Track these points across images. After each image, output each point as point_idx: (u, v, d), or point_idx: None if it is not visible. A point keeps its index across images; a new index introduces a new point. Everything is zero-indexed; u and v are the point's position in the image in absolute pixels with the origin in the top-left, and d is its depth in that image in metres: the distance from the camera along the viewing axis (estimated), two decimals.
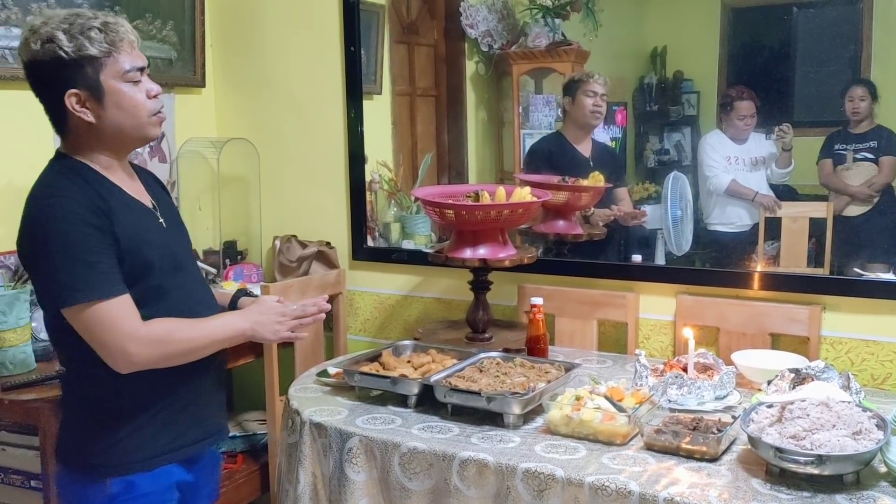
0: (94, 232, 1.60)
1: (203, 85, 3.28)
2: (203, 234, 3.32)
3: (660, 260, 3.31)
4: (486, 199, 2.41)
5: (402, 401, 2.10)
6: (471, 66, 3.59)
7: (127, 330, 1.60)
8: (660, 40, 3.94)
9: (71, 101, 1.62)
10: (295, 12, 3.20)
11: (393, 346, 2.38)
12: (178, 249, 1.81)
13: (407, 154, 3.49)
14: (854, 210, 3.18)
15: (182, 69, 3.18)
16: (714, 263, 3.21)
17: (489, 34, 3.51)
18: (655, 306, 2.65)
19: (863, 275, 2.79)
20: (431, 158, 3.43)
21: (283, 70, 3.25)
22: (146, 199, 1.78)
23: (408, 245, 3.22)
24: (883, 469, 1.62)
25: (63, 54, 1.58)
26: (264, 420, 2.96)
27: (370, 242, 3.23)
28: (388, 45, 3.38)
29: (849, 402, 1.69)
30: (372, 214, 3.32)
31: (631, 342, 2.64)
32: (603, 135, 3.83)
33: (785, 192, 3.47)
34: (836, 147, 3.23)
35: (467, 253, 2.47)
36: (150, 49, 3.04)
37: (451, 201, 2.49)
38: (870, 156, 3.18)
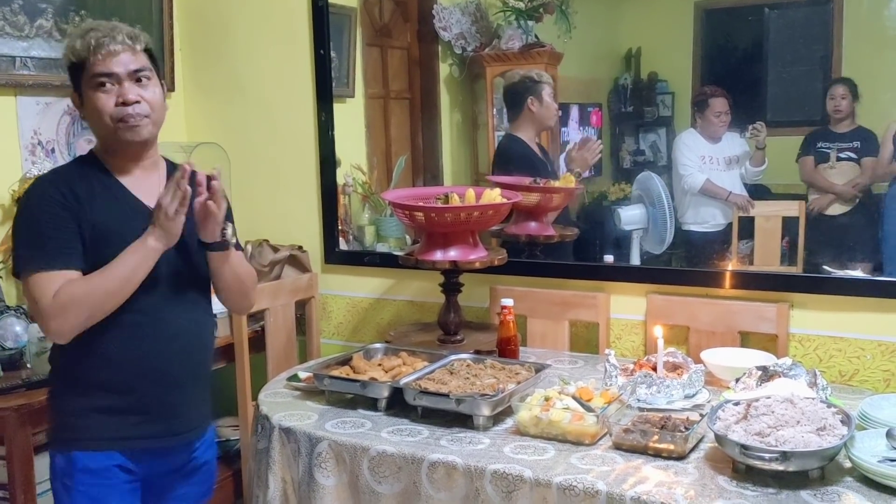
0: (59, 212, 1.69)
1: (172, 89, 3.25)
2: None
3: (635, 259, 3.33)
4: (455, 201, 2.41)
5: (372, 404, 2.09)
6: (444, 69, 3.59)
7: (43, 302, 1.66)
8: (634, 41, 3.97)
9: (71, 102, 1.85)
10: (264, 16, 3.18)
11: (364, 350, 2.37)
12: (163, 259, 1.76)
13: (381, 157, 3.48)
14: (837, 209, 3.21)
15: None
16: (688, 263, 3.24)
17: (462, 36, 3.51)
18: (626, 306, 2.66)
19: (831, 273, 2.82)
20: (405, 161, 3.42)
21: (253, 74, 3.24)
22: (152, 201, 1.77)
23: (382, 248, 3.21)
24: (847, 464, 1.64)
25: (66, 60, 1.79)
26: (237, 426, 2.94)
27: (343, 246, 3.22)
28: (360, 48, 3.37)
29: (813, 399, 1.71)
30: (346, 218, 3.31)
31: (602, 342, 2.64)
32: (578, 135, 3.85)
33: (758, 191, 3.50)
34: (819, 145, 3.26)
35: (438, 255, 2.47)
36: None
37: (421, 204, 2.48)
38: (853, 156, 3.20)
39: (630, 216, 3.29)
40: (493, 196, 2.47)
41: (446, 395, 1.95)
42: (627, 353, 2.65)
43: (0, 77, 2.66)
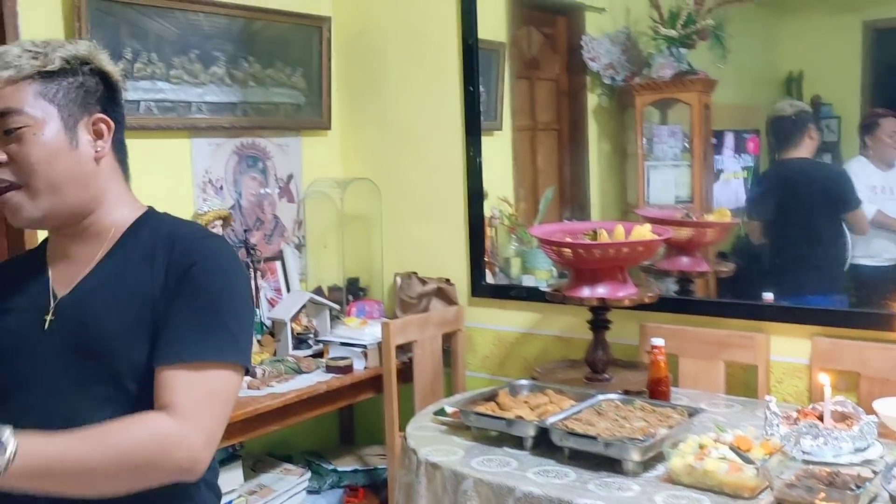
0: None
1: (329, 127, 3.40)
2: (328, 272, 3.42)
3: None
4: (603, 237, 2.37)
5: (518, 443, 2.08)
6: (593, 99, 3.57)
7: None
8: (795, 65, 3.79)
9: None
10: (416, 54, 3.28)
11: (510, 386, 2.36)
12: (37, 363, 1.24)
13: (528, 189, 3.49)
14: None
15: (310, 113, 3.32)
16: (858, 300, 3.01)
17: (612, 66, 3.48)
18: (788, 348, 2.51)
19: None
20: (552, 193, 3.41)
21: (405, 111, 3.34)
22: (66, 286, 1.28)
23: (528, 280, 3.20)
24: None
25: None
26: (384, 455, 3.00)
27: (490, 279, 3.23)
28: (508, 81, 3.40)
29: None
30: (492, 250, 3.33)
31: (762, 386, 2.50)
32: (734, 163, 3.71)
33: None
34: None
35: (585, 292, 2.43)
36: (280, 95, 3.19)
37: (568, 240, 2.46)
38: None
39: None
40: (643, 232, 2.41)
41: (594, 438, 1.91)
42: (789, 399, 2.50)
43: (178, 121, 2.88)
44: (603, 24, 3.47)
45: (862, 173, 3.24)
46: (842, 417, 2.02)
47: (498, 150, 3.40)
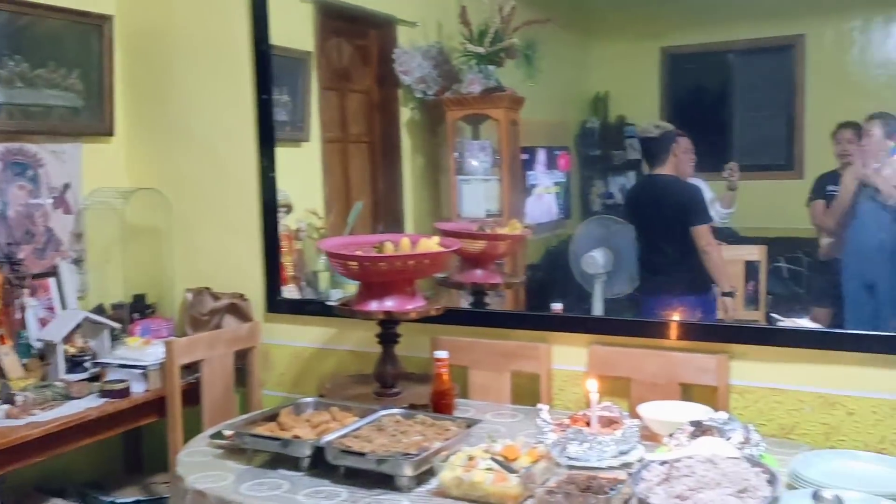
0: None
1: (111, 133, 3.19)
2: (111, 288, 3.19)
3: (598, 304, 3.28)
4: (389, 249, 2.36)
5: (295, 464, 2.00)
6: (406, 112, 3.58)
7: None
8: (601, 86, 3.98)
9: None
10: (208, 59, 3.15)
11: (294, 405, 2.29)
12: None
13: (340, 201, 3.44)
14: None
15: (89, 117, 3.10)
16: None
17: (423, 80, 3.50)
18: (570, 357, 2.59)
19: (779, 321, 2.78)
20: (362, 206, 3.37)
21: (197, 117, 3.19)
22: None
23: (337, 294, 3.14)
24: None
25: None
26: (169, 482, 2.83)
27: (294, 293, 3.15)
28: (316, 92, 3.33)
29: (737, 458, 1.64)
30: (298, 264, 3.25)
31: (544, 395, 2.57)
32: (546, 179, 3.83)
33: (727, 235, 3.48)
34: (829, 188, 3.25)
35: (373, 305, 2.41)
36: (53, 97, 2.96)
37: (359, 253, 2.42)
38: None
39: (604, 260, 3.27)
40: (430, 245, 2.42)
41: (363, 455, 1.87)
42: (570, 406, 2.58)
43: None
44: (415, 38, 3.49)
45: None
46: (609, 422, 2.10)
47: (306, 162, 3.33)
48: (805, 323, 2.78)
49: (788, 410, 2.29)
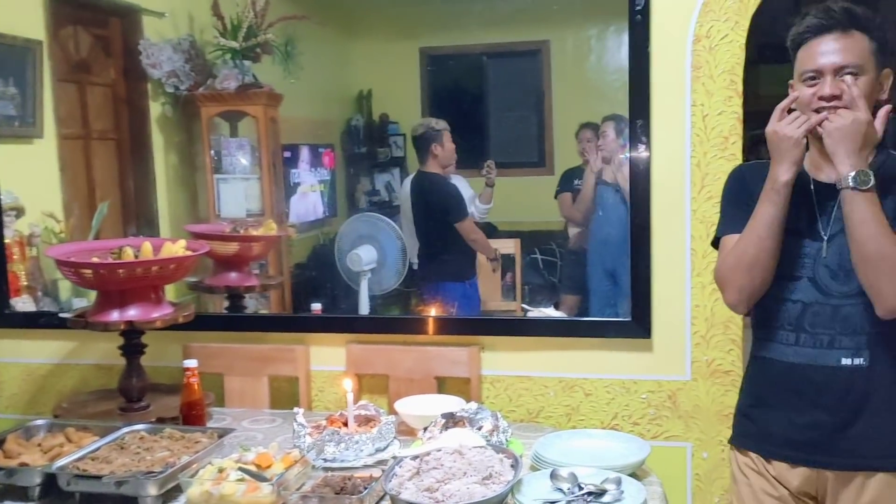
0: None
1: None
2: None
3: (364, 301, 3.28)
4: (129, 255, 2.20)
5: (24, 494, 1.81)
6: (156, 108, 3.35)
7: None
8: (364, 84, 3.97)
9: None
10: None
11: (23, 429, 2.07)
12: None
13: (83, 203, 3.17)
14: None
15: None
16: (417, 301, 3.27)
17: (175, 74, 3.29)
18: (328, 357, 2.58)
19: (528, 311, 2.94)
20: (108, 208, 3.12)
21: None
22: None
23: (81, 303, 2.87)
24: None
25: None
26: None
27: (29, 305, 2.85)
28: (50, 84, 3.03)
29: (482, 447, 1.71)
30: (34, 272, 2.94)
31: (303, 397, 2.54)
32: (310, 177, 3.76)
33: (485, 229, 3.61)
34: (576, 182, 3.42)
35: (114, 315, 2.24)
36: None
37: (96, 259, 2.24)
38: None
39: (368, 257, 3.26)
40: (175, 249, 2.29)
41: (100, 478, 1.73)
42: (331, 407, 2.57)
43: None
44: (164, 30, 3.28)
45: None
46: (366, 420, 2.11)
47: (40, 160, 3.03)
48: (551, 312, 2.96)
49: (535, 396, 2.43)
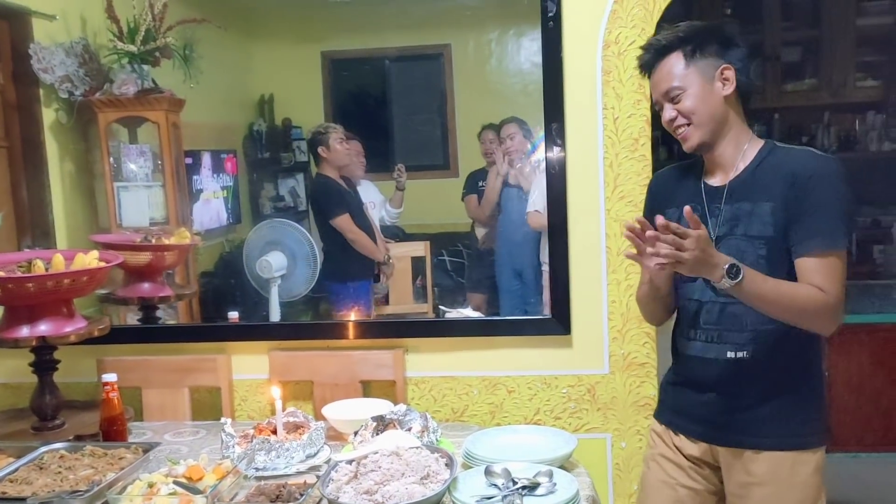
0: None
1: None
2: None
3: (275, 307, 3.24)
4: (39, 268, 2.12)
5: None
6: (50, 114, 3.21)
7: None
8: (266, 88, 3.92)
9: None
10: None
11: None
12: None
13: None
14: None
15: None
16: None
17: (69, 79, 3.16)
18: (250, 366, 2.55)
19: (447, 313, 2.99)
20: (2, 219, 2.97)
21: None
22: None
23: None
24: None
25: None
26: None
27: None
28: None
29: (418, 448, 1.74)
30: None
31: (226, 407, 2.50)
32: (213, 183, 3.68)
33: (394, 233, 3.64)
34: (480, 184, 3.46)
35: (24, 331, 2.15)
36: None
37: (2, 274, 2.14)
38: None
39: (278, 263, 3.23)
40: (88, 260, 2.22)
41: (24, 500, 1.67)
42: (255, 416, 2.54)
43: None
44: (55, 34, 3.15)
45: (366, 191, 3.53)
46: (295, 427, 2.10)
47: None
48: (469, 313, 3.02)
49: (459, 395, 2.47)
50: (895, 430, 3.63)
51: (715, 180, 1.81)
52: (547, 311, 2.42)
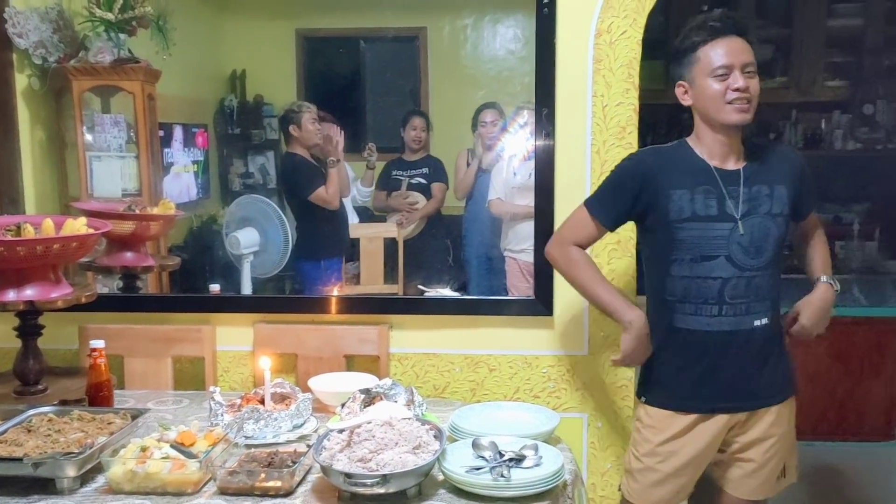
0: None
1: None
2: None
3: (247, 285, 3.25)
4: (29, 232, 2.11)
5: None
6: (22, 80, 3.17)
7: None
8: (238, 63, 3.90)
9: None
10: None
11: None
12: None
13: None
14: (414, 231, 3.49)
15: None
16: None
17: (43, 45, 3.12)
18: (234, 337, 2.57)
19: (425, 292, 3.03)
20: None
21: None
22: None
23: None
24: (441, 477, 1.73)
25: None
26: None
27: None
28: None
29: (410, 419, 1.78)
30: None
31: (209, 377, 2.52)
32: (184, 157, 3.67)
33: (365, 213, 3.66)
34: (394, 174, 3.49)
35: (10, 295, 2.15)
36: None
37: None
38: (423, 181, 3.49)
39: (248, 240, 3.23)
40: (77, 226, 2.21)
41: (20, 460, 1.68)
42: (237, 387, 2.57)
43: None
44: None
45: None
46: (281, 398, 2.14)
47: None
48: (447, 292, 3.07)
49: (441, 372, 2.52)
50: (849, 421, 3.75)
51: (727, 164, 1.96)
52: (516, 294, 2.46)
